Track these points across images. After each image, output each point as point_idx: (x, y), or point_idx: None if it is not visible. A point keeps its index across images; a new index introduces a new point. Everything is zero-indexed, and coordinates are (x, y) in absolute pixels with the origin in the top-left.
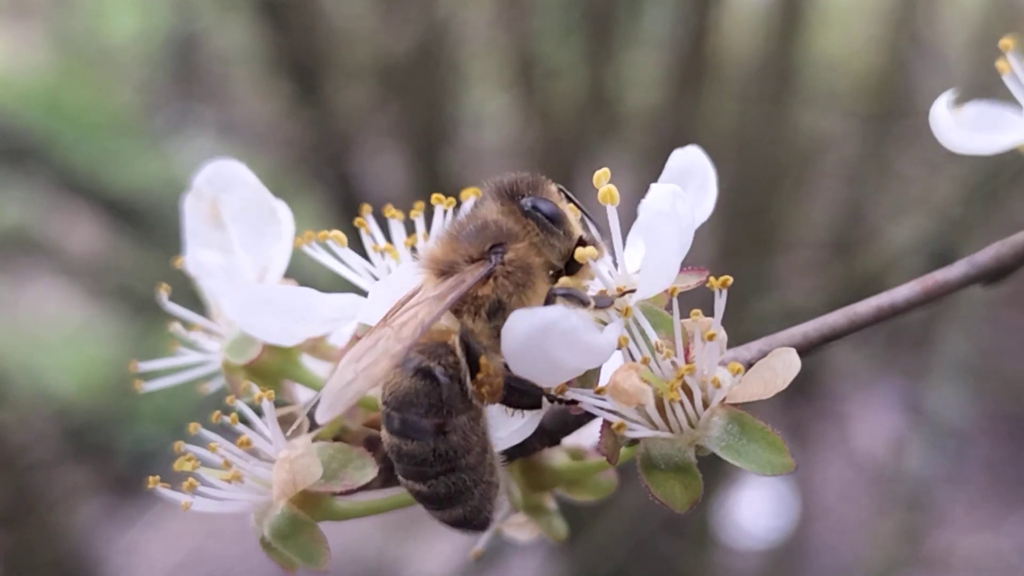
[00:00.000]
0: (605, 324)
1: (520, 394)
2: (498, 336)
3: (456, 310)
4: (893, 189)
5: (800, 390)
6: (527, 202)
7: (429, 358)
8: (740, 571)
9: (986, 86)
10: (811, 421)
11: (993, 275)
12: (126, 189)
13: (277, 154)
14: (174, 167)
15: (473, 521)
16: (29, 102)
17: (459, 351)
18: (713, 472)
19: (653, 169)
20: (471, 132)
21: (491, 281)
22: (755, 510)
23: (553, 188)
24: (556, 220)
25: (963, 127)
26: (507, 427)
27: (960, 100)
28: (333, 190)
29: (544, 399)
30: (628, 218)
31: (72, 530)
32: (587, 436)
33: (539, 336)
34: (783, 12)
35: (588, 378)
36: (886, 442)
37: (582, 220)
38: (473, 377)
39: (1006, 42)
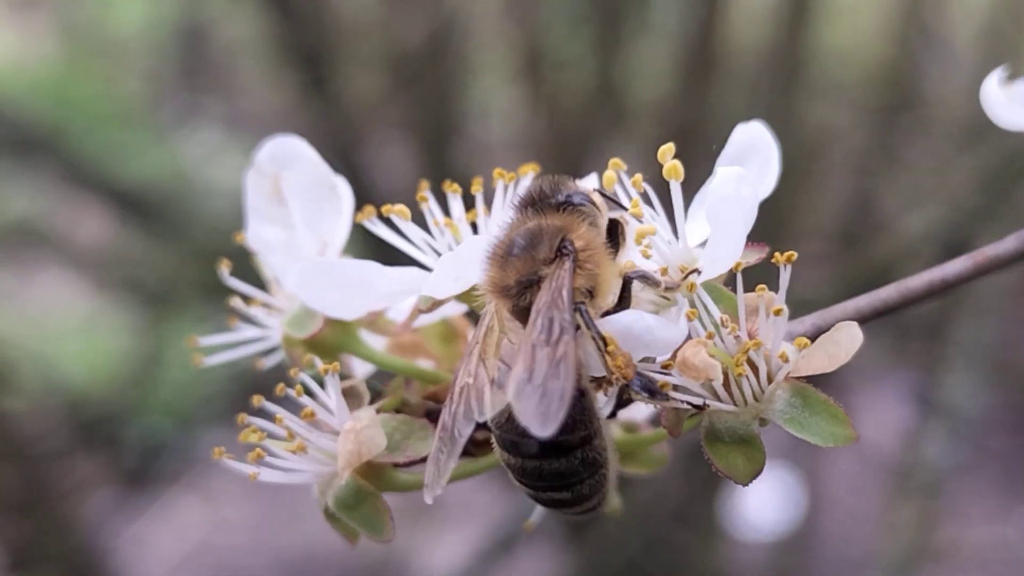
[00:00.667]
0: (668, 299)
1: (651, 388)
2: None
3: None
4: (902, 180)
5: (808, 381)
6: (559, 198)
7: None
8: (749, 563)
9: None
10: None
11: None
12: (134, 180)
13: None
14: (182, 158)
15: (598, 507)
16: (37, 93)
17: (580, 321)
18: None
19: (657, 160)
20: (480, 124)
21: (578, 271)
22: (764, 502)
23: (568, 179)
24: (590, 203)
25: (1015, 103)
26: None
27: (1012, 76)
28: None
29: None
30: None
31: (81, 521)
32: (640, 410)
33: (620, 340)
34: (791, 3)
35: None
36: (895, 434)
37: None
38: (606, 353)
39: None
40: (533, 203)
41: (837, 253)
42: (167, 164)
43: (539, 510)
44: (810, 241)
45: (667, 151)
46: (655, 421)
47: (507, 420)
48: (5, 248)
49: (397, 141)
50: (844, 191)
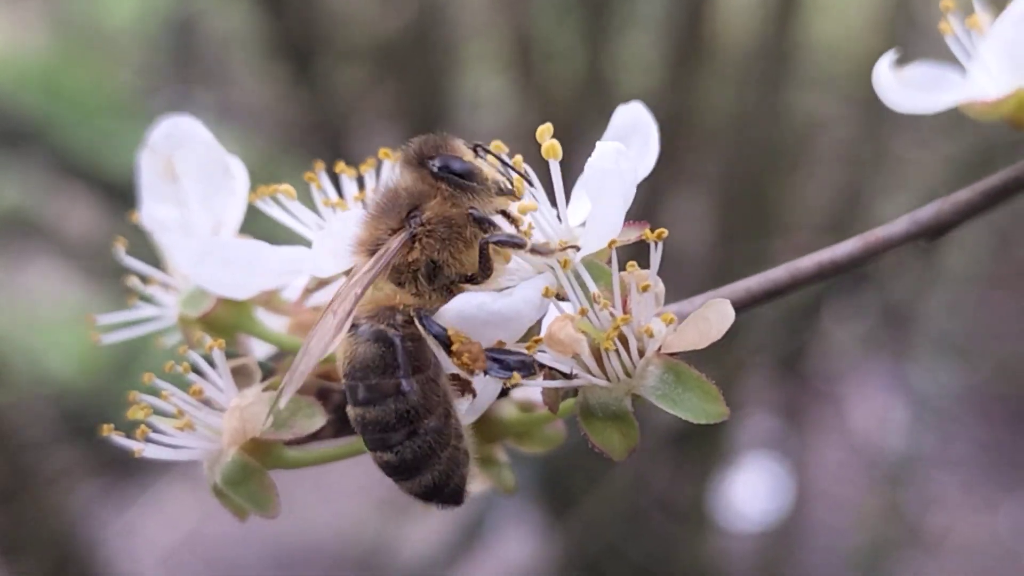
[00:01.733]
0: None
1: (506, 365)
2: (449, 297)
3: (399, 283)
4: (889, 171)
5: (796, 371)
6: (434, 163)
7: (378, 322)
8: (736, 553)
9: None
10: (807, 403)
11: (934, 232)
12: (124, 171)
13: (274, 136)
14: None
15: (444, 489)
16: (27, 84)
17: (415, 319)
18: (709, 454)
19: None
20: (468, 114)
21: (416, 244)
22: (750, 492)
23: (460, 143)
24: (467, 175)
25: (906, 87)
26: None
27: (902, 61)
28: (329, 172)
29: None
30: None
31: (68, 511)
32: (535, 390)
33: (458, 326)
34: None
35: (528, 334)
36: (882, 423)
37: (504, 171)
38: (449, 351)
39: (947, 3)
40: (412, 163)
41: (823, 243)
42: None
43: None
44: (798, 231)
45: (545, 131)
46: None
47: (348, 364)
48: None
49: (386, 130)
50: (832, 182)
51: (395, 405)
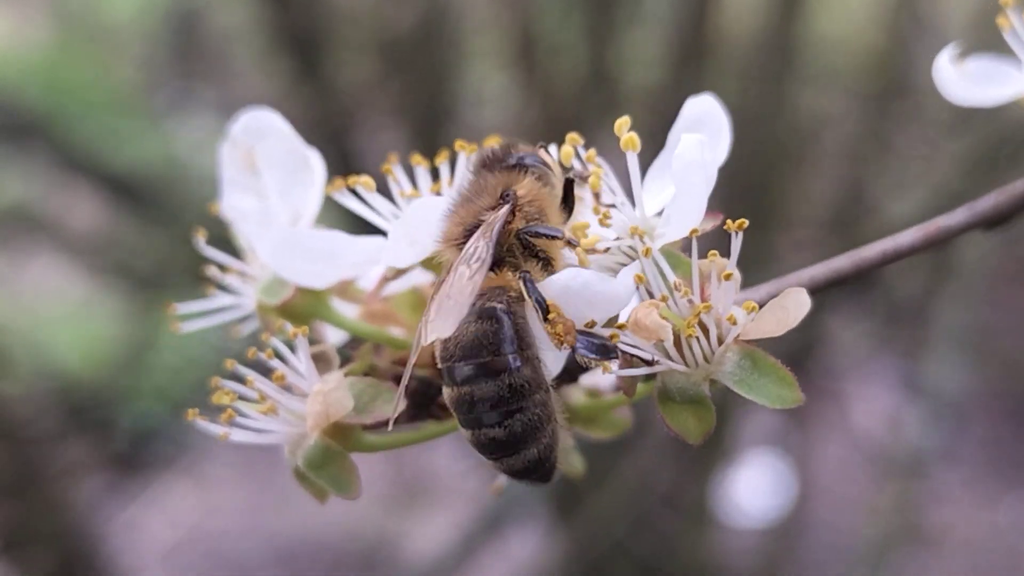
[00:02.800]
0: (623, 265)
1: (594, 347)
2: (548, 271)
3: (499, 262)
4: (893, 167)
5: (798, 368)
6: (511, 160)
7: (488, 300)
8: (739, 550)
9: None
10: (809, 400)
11: (992, 221)
12: (127, 166)
13: None
14: (174, 145)
15: (545, 463)
16: (30, 79)
17: (522, 288)
18: (712, 451)
19: (654, 146)
20: (473, 110)
21: (515, 215)
22: (753, 488)
23: (522, 143)
24: (543, 163)
25: (965, 80)
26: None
27: (963, 55)
28: (334, 168)
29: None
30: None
31: (73, 505)
32: (603, 377)
33: (561, 301)
34: None
35: (612, 320)
36: (884, 420)
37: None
38: (546, 319)
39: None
40: (486, 165)
41: (826, 239)
42: (160, 150)
43: (503, 476)
44: (801, 227)
45: (623, 124)
46: (618, 388)
47: (455, 346)
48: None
49: (389, 126)
50: (836, 177)
51: (508, 380)
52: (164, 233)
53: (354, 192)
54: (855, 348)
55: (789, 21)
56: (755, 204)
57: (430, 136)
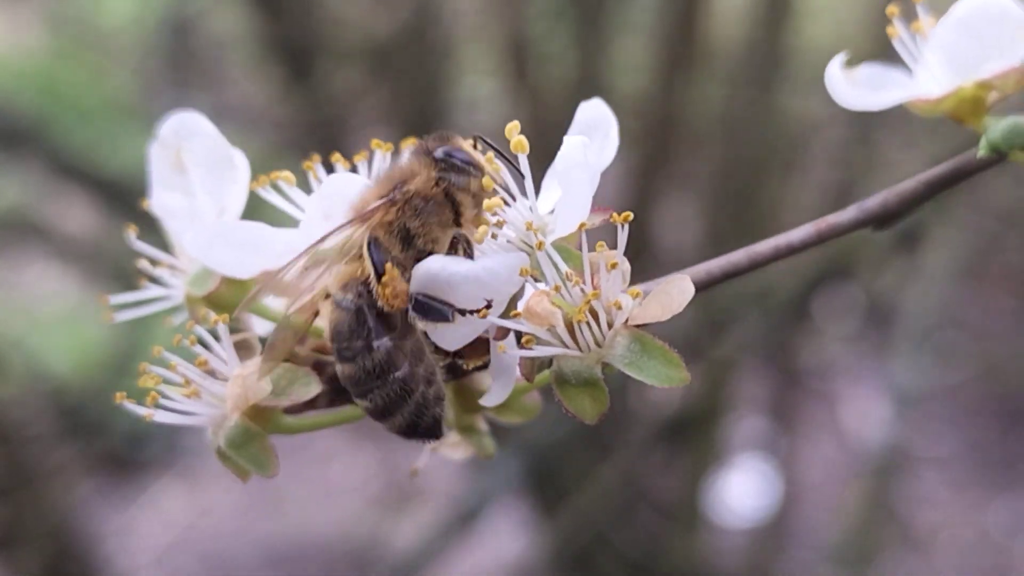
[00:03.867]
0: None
1: (427, 308)
2: (415, 262)
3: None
4: (879, 172)
5: (785, 370)
6: (439, 152)
7: (344, 292)
8: (727, 550)
9: None
10: (799, 401)
11: (880, 220)
12: (121, 171)
13: (271, 137)
14: None
15: (419, 426)
16: (25, 85)
17: (365, 256)
18: (699, 449)
19: (642, 152)
20: (463, 115)
21: (393, 209)
22: (741, 489)
23: (462, 140)
24: (465, 162)
25: (855, 85)
26: (452, 332)
27: (852, 61)
28: (325, 169)
29: (455, 314)
30: (618, 200)
31: (68, 508)
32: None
33: (427, 285)
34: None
35: (508, 309)
36: (872, 423)
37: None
38: (379, 281)
39: (892, 8)
40: (416, 152)
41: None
42: None
43: (424, 457)
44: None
45: (513, 128)
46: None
47: (331, 329)
48: None
49: (383, 132)
50: (823, 183)
51: (362, 362)
52: (157, 238)
53: (276, 188)
54: (841, 350)
55: (776, 28)
56: (742, 210)
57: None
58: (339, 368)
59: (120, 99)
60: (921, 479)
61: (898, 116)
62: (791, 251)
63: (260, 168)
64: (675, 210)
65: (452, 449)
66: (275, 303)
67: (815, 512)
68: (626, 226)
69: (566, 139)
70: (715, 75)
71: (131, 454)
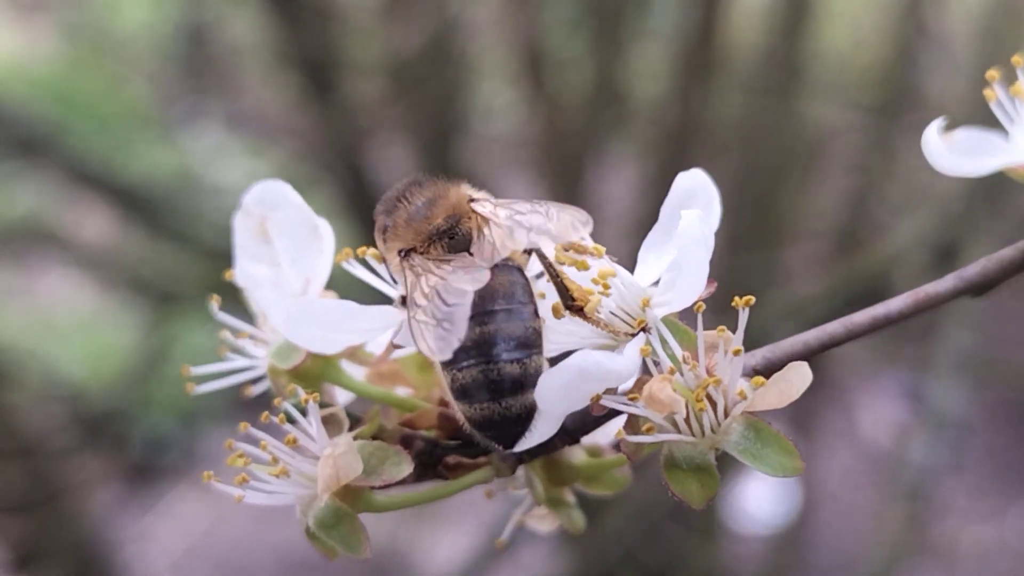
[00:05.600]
0: (615, 342)
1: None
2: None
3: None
4: (899, 180)
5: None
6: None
7: (508, 262)
8: (745, 556)
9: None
10: (817, 409)
11: (979, 288)
12: (138, 178)
13: (287, 145)
14: (186, 157)
15: (532, 416)
16: (42, 93)
17: (542, 263)
18: (722, 459)
19: (659, 159)
20: (481, 123)
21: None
22: (760, 496)
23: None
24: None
25: (953, 152)
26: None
27: (951, 126)
28: (342, 181)
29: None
30: (635, 209)
31: (87, 517)
32: (603, 435)
33: (579, 379)
34: (791, 4)
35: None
36: (891, 430)
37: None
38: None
39: (992, 73)
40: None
41: (832, 256)
42: (171, 162)
43: (509, 528)
44: (808, 240)
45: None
46: (617, 447)
47: (487, 296)
48: (11, 247)
49: (399, 141)
50: (842, 191)
51: (531, 325)
52: (175, 245)
53: (363, 262)
54: (863, 359)
55: (795, 34)
56: (761, 218)
57: (440, 150)
58: (491, 329)
59: (136, 106)
60: (938, 485)
61: (917, 124)
62: (888, 321)
63: (278, 176)
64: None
65: (539, 521)
66: (357, 373)
67: (833, 519)
68: (747, 310)
69: (684, 214)
70: (733, 82)
71: (149, 461)
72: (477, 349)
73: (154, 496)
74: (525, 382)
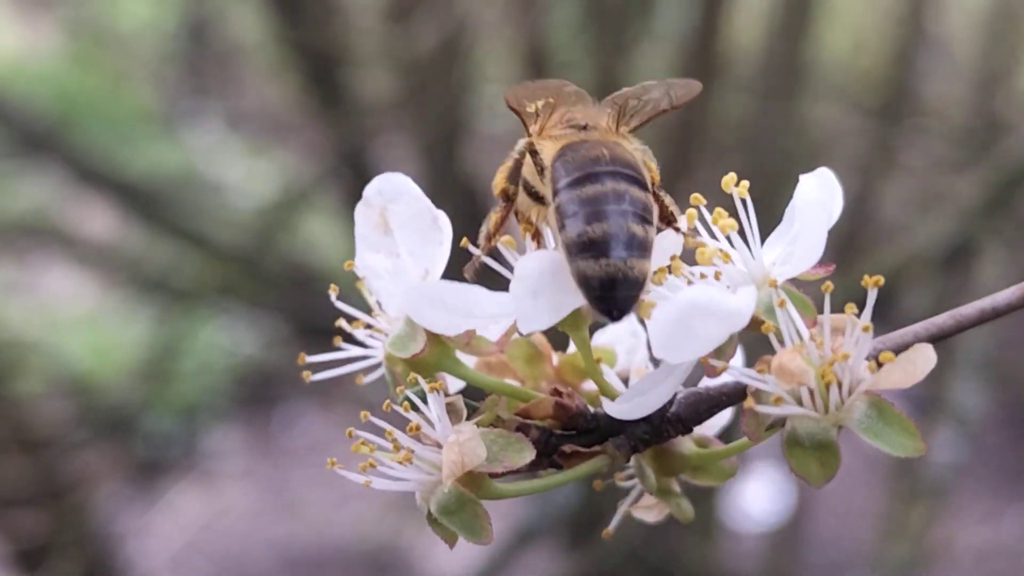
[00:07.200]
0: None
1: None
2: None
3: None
4: (903, 183)
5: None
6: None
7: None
8: (743, 554)
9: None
10: None
11: None
12: (141, 175)
13: (291, 144)
14: (189, 153)
15: (642, 286)
16: (44, 90)
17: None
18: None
19: (660, 160)
20: (486, 123)
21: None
22: (757, 494)
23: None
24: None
25: None
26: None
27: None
28: (348, 182)
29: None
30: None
31: (93, 511)
32: (709, 427)
33: (691, 317)
34: (792, 7)
35: (722, 349)
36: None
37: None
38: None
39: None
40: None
41: (835, 261)
42: (174, 160)
43: (616, 519)
44: None
45: (730, 180)
46: (722, 436)
47: (586, 157)
48: (14, 243)
49: (404, 140)
50: (846, 194)
51: (648, 198)
52: (178, 241)
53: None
54: None
55: (796, 36)
56: (764, 218)
57: (443, 151)
58: (619, 186)
59: (139, 103)
60: (939, 487)
61: (919, 127)
62: (996, 314)
63: (282, 174)
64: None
65: (647, 512)
66: (468, 363)
67: (831, 518)
68: (875, 289)
69: (802, 178)
70: (734, 84)
71: (151, 457)
72: (606, 197)
73: (156, 491)
74: (647, 245)
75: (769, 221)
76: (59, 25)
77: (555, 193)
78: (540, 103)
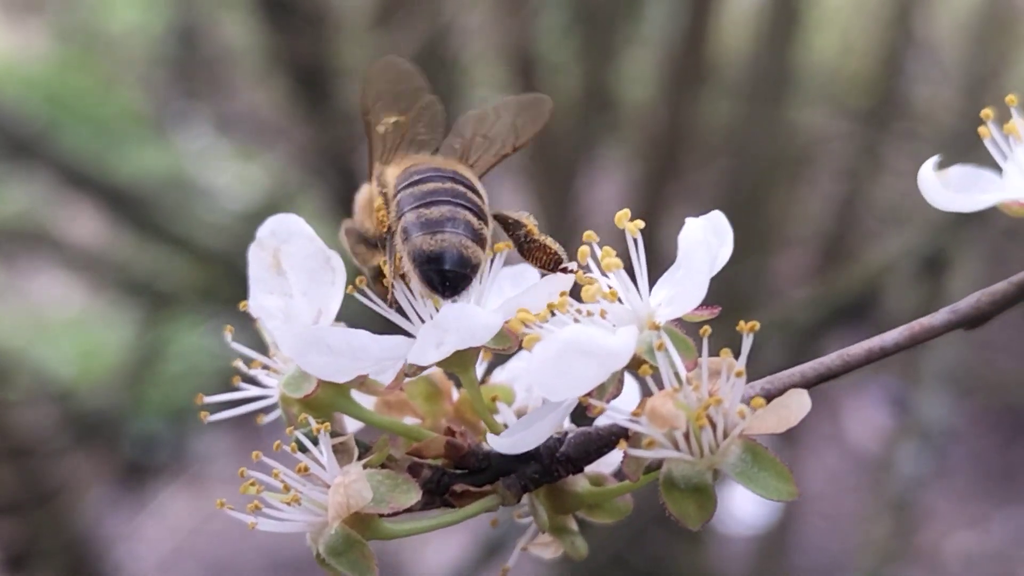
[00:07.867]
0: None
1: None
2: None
3: None
4: (888, 187)
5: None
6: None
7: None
8: (730, 557)
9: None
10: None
11: (973, 322)
12: (129, 179)
13: (278, 149)
14: (176, 158)
15: (475, 270)
16: (33, 92)
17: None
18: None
19: (648, 165)
20: None
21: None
22: (744, 497)
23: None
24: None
25: (948, 188)
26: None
27: (944, 163)
28: (333, 186)
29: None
30: (625, 204)
31: (79, 516)
32: (606, 464)
33: (570, 356)
34: (780, 11)
35: (604, 388)
36: (877, 435)
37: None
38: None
39: (987, 112)
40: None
41: (820, 263)
42: (163, 164)
43: (514, 556)
44: (797, 248)
45: (623, 215)
46: (618, 475)
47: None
48: (1, 247)
49: None
50: (831, 198)
51: (482, 205)
52: (165, 246)
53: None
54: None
55: (784, 41)
56: (749, 224)
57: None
58: (460, 212)
59: (128, 107)
60: (923, 492)
61: (905, 131)
62: (884, 353)
63: (269, 178)
64: (682, 222)
65: (543, 548)
66: (365, 402)
67: (819, 521)
68: (751, 335)
69: (688, 220)
70: (722, 88)
71: (139, 460)
72: (445, 194)
73: (144, 496)
74: (482, 237)
75: (756, 224)
76: (48, 29)
77: (395, 194)
78: (391, 121)
